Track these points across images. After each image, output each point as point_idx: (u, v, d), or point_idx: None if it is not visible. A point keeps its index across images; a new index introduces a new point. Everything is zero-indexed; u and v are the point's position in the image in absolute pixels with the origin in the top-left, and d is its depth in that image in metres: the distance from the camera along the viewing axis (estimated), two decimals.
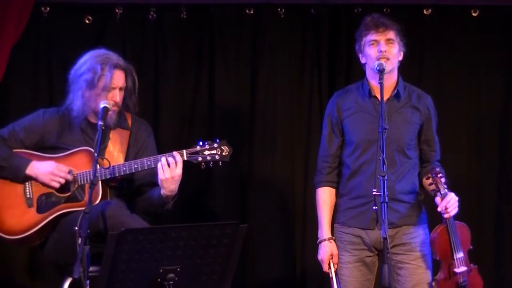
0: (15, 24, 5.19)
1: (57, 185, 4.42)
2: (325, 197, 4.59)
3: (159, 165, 4.32)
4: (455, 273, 4.40)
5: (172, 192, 4.38)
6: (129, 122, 4.62)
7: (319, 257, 4.56)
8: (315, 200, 4.64)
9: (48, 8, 5.49)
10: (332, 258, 4.52)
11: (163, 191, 4.37)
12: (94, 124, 4.49)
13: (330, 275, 4.52)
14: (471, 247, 4.48)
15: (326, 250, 4.53)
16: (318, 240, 4.58)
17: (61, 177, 4.41)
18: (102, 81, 4.43)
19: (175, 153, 4.35)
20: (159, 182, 4.35)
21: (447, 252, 4.42)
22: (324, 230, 4.56)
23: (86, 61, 4.49)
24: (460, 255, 4.40)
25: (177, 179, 4.35)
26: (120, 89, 4.48)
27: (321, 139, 4.64)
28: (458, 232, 4.41)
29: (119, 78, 4.47)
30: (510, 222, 5.72)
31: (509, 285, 5.63)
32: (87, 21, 5.54)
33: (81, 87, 4.47)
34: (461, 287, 4.40)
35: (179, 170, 4.34)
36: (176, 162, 4.33)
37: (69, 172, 4.44)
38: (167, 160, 4.32)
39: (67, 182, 4.44)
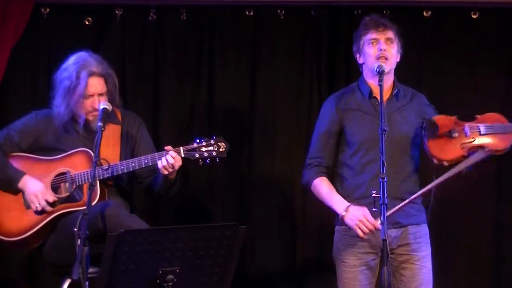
0: (15, 24, 5.21)
1: (33, 208, 4.44)
2: (326, 182, 4.49)
3: (159, 163, 4.34)
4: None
5: (173, 174, 4.42)
6: (119, 117, 4.63)
7: (356, 220, 4.32)
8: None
9: (48, 9, 5.50)
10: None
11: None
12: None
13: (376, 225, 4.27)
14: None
15: (359, 210, 4.34)
16: (344, 208, 4.38)
17: (39, 203, 4.43)
18: (78, 89, 4.45)
19: (171, 152, 4.36)
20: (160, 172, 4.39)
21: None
22: (343, 202, 4.40)
23: (67, 67, 4.51)
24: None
25: (177, 168, 4.39)
26: (100, 94, 4.48)
27: (312, 140, 4.60)
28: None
29: (95, 86, 4.47)
30: (510, 222, 5.71)
31: (509, 285, 5.62)
32: (87, 22, 5.55)
33: (61, 93, 4.51)
34: None
35: (177, 165, 4.36)
36: (174, 159, 4.34)
37: (54, 202, 4.44)
38: (166, 160, 4.34)
39: (65, 182, 4.47)
